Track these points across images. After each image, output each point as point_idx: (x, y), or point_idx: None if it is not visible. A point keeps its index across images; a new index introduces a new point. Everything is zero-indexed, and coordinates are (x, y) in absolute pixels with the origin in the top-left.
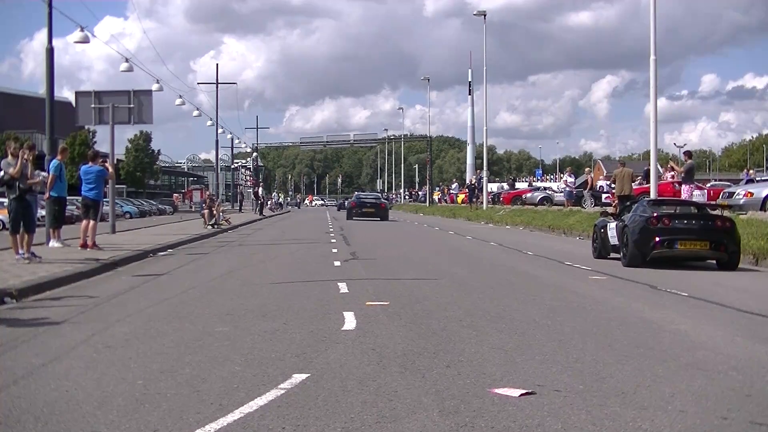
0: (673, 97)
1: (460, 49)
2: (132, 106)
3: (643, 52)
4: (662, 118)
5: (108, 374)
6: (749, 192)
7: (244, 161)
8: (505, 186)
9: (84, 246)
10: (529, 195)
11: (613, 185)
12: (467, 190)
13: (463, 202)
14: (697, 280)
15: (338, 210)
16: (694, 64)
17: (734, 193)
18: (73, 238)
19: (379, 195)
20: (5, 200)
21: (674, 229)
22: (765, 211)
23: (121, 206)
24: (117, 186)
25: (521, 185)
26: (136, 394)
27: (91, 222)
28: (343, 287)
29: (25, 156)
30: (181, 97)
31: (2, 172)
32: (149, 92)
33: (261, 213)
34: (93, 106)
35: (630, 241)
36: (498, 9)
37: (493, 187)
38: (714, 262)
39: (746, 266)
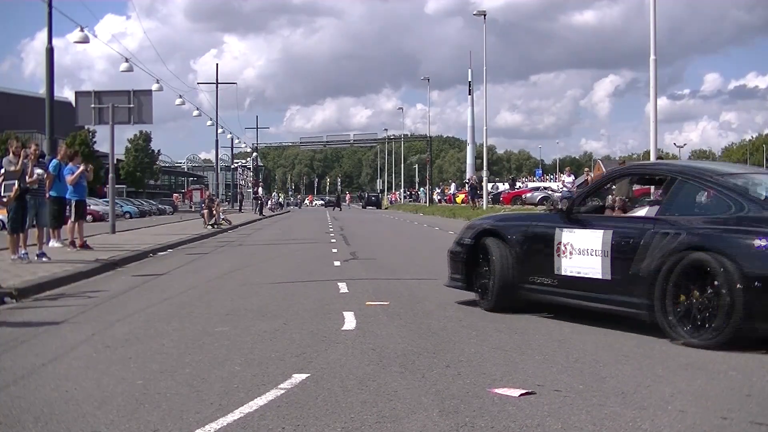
0: (675, 96)
1: (461, 48)
2: (132, 106)
3: (645, 51)
4: (663, 118)
5: (108, 374)
6: None
7: (244, 161)
8: (501, 186)
9: (73, 244)
10: (528, 195)
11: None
12: (468, 189)
13: (463, 202)
14: None
15: (324, 207)
16: (696, 64)
17: None
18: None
19: (338, 197)
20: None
21: None
22: None
23: (121, 206)
24: (117, 186)
25: (531, 184)
26: (136, 394)
27: (77, 222)
28: (343, 287)
29: (31, 154)
30: (181, 96)
31: (3, 169)
32: (149, 92)
33: (261, 213)
34: (93, 106)
35: None
36: (500, 8)
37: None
38: None
39: None
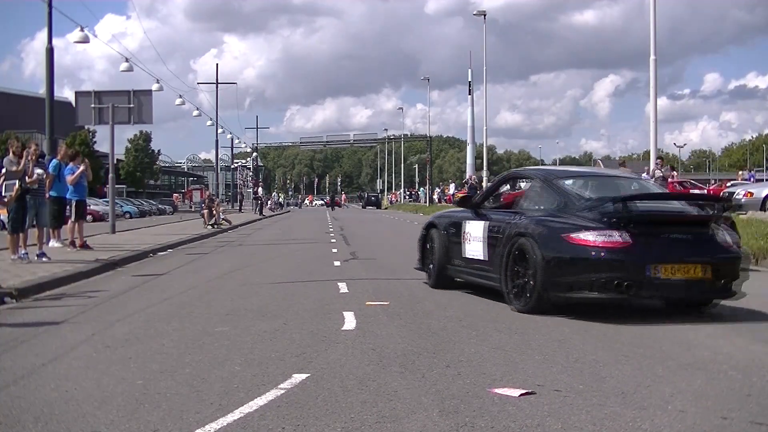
0: (675, 96)
1: (461, 48)
2: (132, 106)
3: (646, 51)
4: (663, 118)
5: (108, 374)
6: (749, 192)
7: (244, 161)
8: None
9: (73, 244)
10: None
11: None
12: (467, 189)
13: None
14: None
15: (324, 207)
16: (696, 63)
17: (734, 193)
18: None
19: (332, 197)
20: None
21: None
22: (765, 211)
23: (121, 206)
24: (117, 186)
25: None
26: (136, 394)
27: (77, 222)
28: (343, 287)
29: (31, 154)
30: (181, 96)
31: (5, 169)
32: (149, 92)
33: (261, 213)
34: (93, 106)
35: None
36: (500, 8)
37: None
38: None
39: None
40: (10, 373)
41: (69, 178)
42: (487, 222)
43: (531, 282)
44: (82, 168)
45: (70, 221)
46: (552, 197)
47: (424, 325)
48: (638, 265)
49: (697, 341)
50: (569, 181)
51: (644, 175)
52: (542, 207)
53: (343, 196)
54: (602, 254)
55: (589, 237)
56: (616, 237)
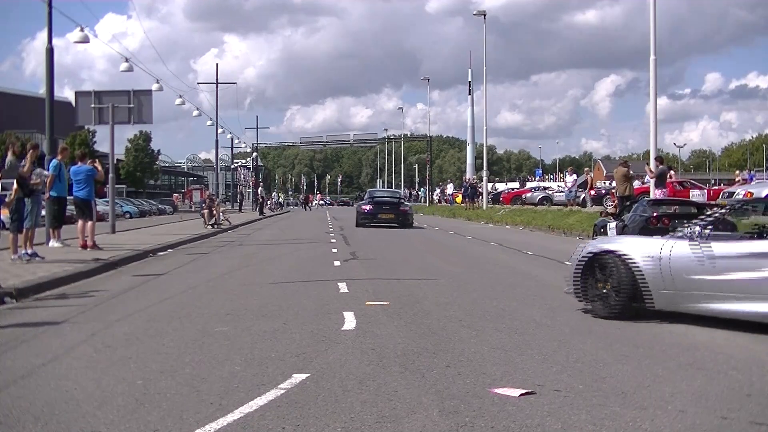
0: (675, 96)
1: (463, 48)
2: (132, 106)
3: (646, 51)
4: (663, 118)
5: (108, 374)
6: (749, 192)
7: (244, 161)
8: (503, 186)
9: (84, 246)
10: (528, 195)
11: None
12: (462, 190)
13: (462, 202)
14: None
15: (320, 206)
16: (697, 63)
17: (734, 193)
18: (73, 238)
19: (306, 197)
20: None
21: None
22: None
23: (121, 206)
24: (117, 186)
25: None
26: (136, 394)
27: (89, 222)
28: (343, 287)
29: (30, 158)
30: (181, 96)
31: (21, 168)
32: (149, 92)
33: (261, 213)
34: (93, 106)
35: None
36: (501, 7)
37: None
38: None
39: None
40: (10, 373)
41: (98, 176)
42: (357, 205)
43: (357, 221)
44: (98, 167)
45: (89, 222)
46: (367, 196)
47: (424, 325)
48: (375, 214)
49: (697, 341)
50: (375, 192)
51: (647, 177)
52: (365, 199)
53: (318, 196)
54: (366, 212)
55: (364, 207)
56: (370, 206)
